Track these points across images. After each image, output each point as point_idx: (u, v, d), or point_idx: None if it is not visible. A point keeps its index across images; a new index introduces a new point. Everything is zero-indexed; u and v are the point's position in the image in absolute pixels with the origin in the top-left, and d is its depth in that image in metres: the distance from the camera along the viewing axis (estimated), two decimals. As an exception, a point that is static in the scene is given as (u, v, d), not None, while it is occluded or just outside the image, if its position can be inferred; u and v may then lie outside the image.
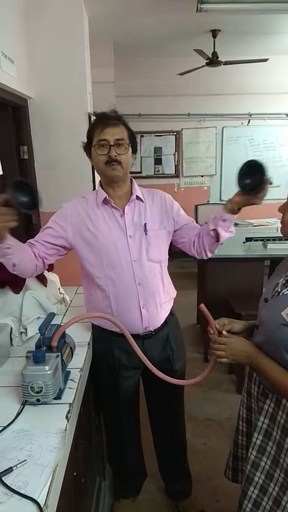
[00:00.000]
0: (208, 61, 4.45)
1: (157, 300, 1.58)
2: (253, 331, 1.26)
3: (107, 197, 1.54)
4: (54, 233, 1.54)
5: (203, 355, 3.31)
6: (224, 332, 1.19)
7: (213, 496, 2.00)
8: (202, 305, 1.23)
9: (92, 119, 2.55)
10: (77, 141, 2.56)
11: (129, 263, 1.52)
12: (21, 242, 1.46)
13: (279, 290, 1.13)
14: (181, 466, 1.94)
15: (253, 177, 1.29)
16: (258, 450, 1.20)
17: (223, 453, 2.19)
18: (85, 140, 1.55)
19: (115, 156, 1.45)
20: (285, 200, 1.14)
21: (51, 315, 1.33)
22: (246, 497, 1.21)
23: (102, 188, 1.57)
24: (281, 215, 1.14)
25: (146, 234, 1.54)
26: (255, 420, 1.23)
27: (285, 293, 1.10)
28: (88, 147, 1.54)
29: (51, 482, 0.88)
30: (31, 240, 1.54)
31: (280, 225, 1.17)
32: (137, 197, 1.58)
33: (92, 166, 2.56)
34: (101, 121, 1.49)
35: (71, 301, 2.02)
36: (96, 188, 1.63)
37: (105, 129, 1.45)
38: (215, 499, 1.99)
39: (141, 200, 1.59)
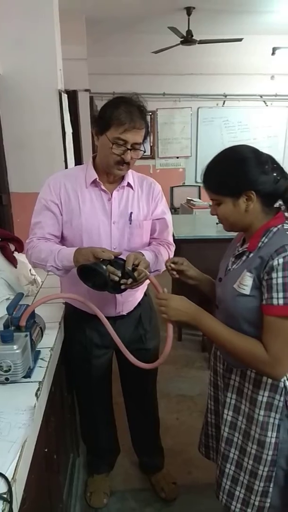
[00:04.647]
0: (182, 39, 4.40)
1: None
2: (208, 285, 1.35)
3: (97, 179, 1.49)
4: (56, 218, 1.50)
5: (177, 334, 3.37)
6: (165, 290, 1.21)
7: (185, 468, 2.08)
8: (151, 276, 1.28)
9: (63, 96, 2.49)
10: (48, 119, 2.50)
11: (109, 249, 1.48)
12: (56, 246, 1.46)
13: (230, 268, 1.21)
14: (153, 441, 1.99)
15: (94, 279, 1.29)
16: (230, 426, 1.24)
17: (194, 427, 2.28)
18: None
19: (129, 160, 1.41)
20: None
21: (19, 295, 1.33)
22: (224, 475, 1.25)
23: (95, 168, 1.51)
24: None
25: (130, 223, 1.52)
26: (223, 397, 1.27)
27: (234, 268, 1.18)
28: (99, 127, 1.41)
29: (19, 457, 0.89)
30: (46, 235, 1.48)
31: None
32: (128, 184, 1.54)
33: (64, 143, 2.53)
34: (128, 117, 1.35)
35: (43, 282, 2.01)
36: (85, 162, 1.56)
37: (130, 131, 1.36)
38: (186, 471, 2.06)
39: (131, 188, 1.55)
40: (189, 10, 4.22)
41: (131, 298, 1.63)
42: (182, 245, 3.34)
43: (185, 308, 1.17)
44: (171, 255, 1.62)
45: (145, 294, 1.71)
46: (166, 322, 1.20)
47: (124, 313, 1.62)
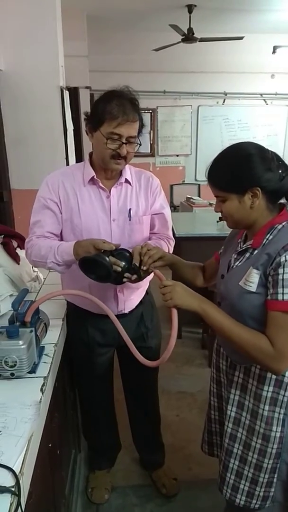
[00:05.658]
0: (183, 37, 4.40)
1: (133, 285, 1.54)
2: (182, 267, 1.42)
3: (95, 176, 1.48)
4: (56, 216, 1.49)
5: (178, 332, 3.37)
6: (168, 279, 1.20)
7: (185, 464, 2.09)
8: (157, 270, 1.26)
9: (64, 92, 2.49)
10: (50, 115, 2.50)
11: None
12: (55, 241, 1.46)
13: (233, 265, 1.21)
14: (154, 437, 2.00)
15: (97, 271, 1.27)
16: (234, 422, 1.25)
17: (194, 424, 2.29)
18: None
19: (125, 154, 1.39)
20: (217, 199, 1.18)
21: (24, 291, 1.33)
22: (228, 470, 1.25)
23: (92, 165, 1.50)
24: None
25: (130, 219, 1.51)
26: (227, 393, 1.27)
27: (238, 265, 1.18)
28: (92, 123, 1.40)
29: (26, 451, 0.90)
30: (46, 234, 1.47)
31: None
32: (126, 180, 1.53)
33: (65, 140, 2.53)
34: (120, 111, 1.33)
35: (45, 279, 2.02)
36: (83, 160, 1.55)
37: (123, 124, 1.34)
38: (187, 467, 2.07)
39: (129, 183, 1.54)
40: (190, 8, 4.22)
41: (133, 296, 1.63)
42: (182, 243, 3.35)
43: (191, 293, 1.15)
44: (171, 250, 1.62)
45: (146, 292, 1.71)
46: (171, 308, 1.15)
47: (126, 311, 1.62)
